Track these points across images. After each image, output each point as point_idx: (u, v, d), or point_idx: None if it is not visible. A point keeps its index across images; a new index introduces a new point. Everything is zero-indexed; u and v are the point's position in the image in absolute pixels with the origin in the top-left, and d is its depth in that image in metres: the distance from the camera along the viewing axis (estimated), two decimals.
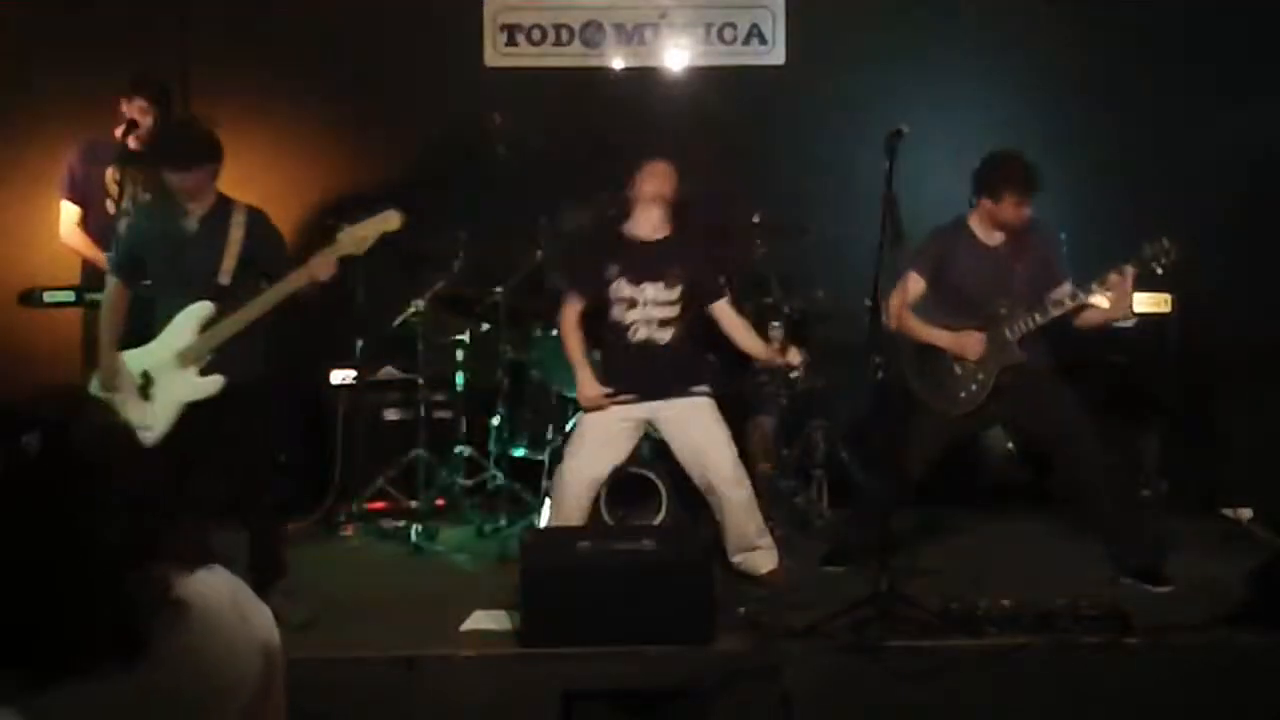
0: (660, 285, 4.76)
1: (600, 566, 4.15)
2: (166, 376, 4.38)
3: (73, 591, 1.67)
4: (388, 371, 5.98)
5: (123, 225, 4.73)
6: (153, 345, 4.41)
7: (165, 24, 6.18)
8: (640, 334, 4.78)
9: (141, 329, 4.50)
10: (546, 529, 5.14)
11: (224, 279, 4.39)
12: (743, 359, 5.55)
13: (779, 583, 4.72)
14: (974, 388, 4.75)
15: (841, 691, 3.88)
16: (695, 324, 4.92)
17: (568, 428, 5.33)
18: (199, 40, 6.20)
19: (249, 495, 4.49)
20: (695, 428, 4.77)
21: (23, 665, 1.64)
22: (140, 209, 4.73)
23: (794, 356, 4.87)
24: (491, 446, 5.74)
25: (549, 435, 5.53)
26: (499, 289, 5.58)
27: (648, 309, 4.77)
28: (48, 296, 5.29)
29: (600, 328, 4.90)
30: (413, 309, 5.59)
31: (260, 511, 4.51)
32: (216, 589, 1.80)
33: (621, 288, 4.77)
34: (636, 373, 4.77)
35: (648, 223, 4.82)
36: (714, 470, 4.72)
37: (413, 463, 5.63)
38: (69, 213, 5.51)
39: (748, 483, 4.79)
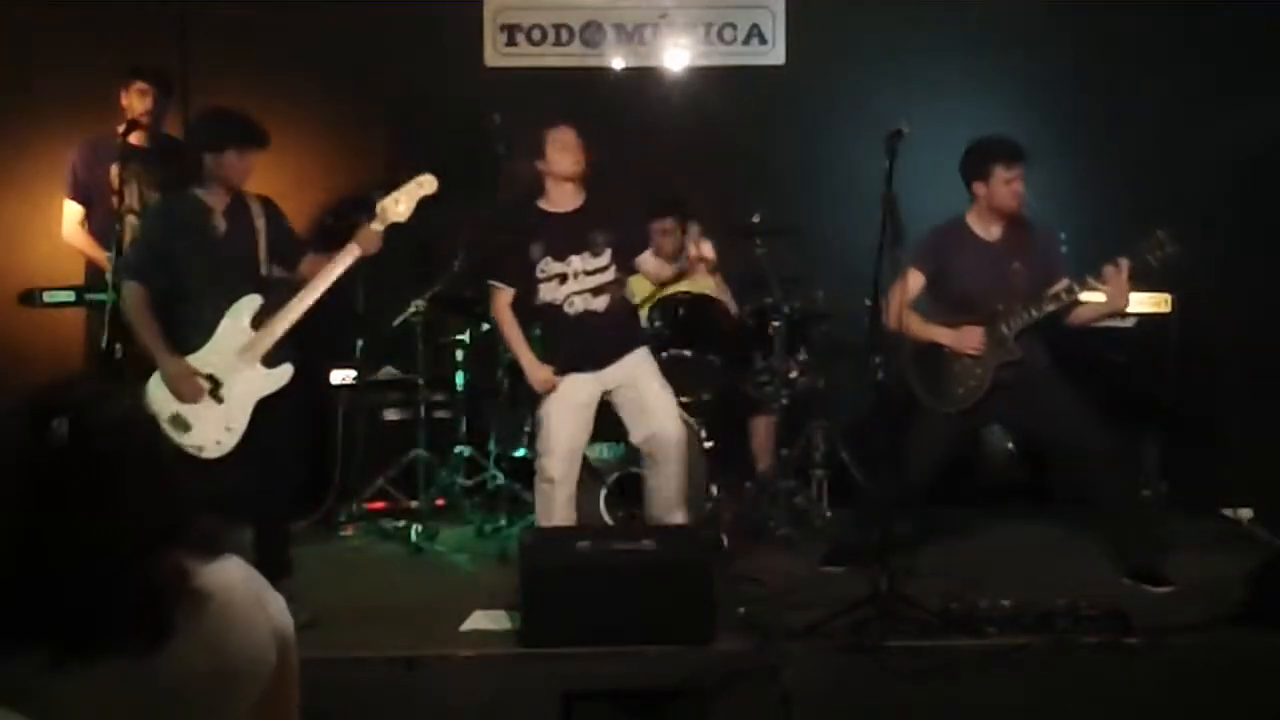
0: (587, 255, 4.72)
1: (600, 566, 4.14)
2: (234, 376, 4.34)
3: (94, 575, 1.69)
4: (388, 371, 5.98)
5: (137, 226, 4.62)
6: (211, 345, 4.34)
7: (165, 24, 6.18)
8: (576, 306, 4.73)
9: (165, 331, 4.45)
10: (546, 529, 5.15)
11: (264, 270, 4.43)
12: (742, 360, 5.56)
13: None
14: (972, 383, 4.75)
15: (841, 691, 3.88)
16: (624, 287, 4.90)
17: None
18: (199, 40, 6.20)
19: (271, 490, 4.48)
20: (643, 389, 4.75)
21: (41, 646, 1.66)
22: (158, 209, 4.58)
23: (707, 250, 4.70)
24: (491, 446, 5.74)
25: None
26: None
27: (580, 280, 4.72)
28: (48, 296, 5.29)
29: (531, 310, 4.82)
30: (413, 309, 5.59)
31: (277, 508, 4.51)
32: (235, 578, 1.82)
33: (550, 265, 4.71)
34: (579, 346, 4.73)
35: (563, 195, 4.77)
36: (662, 432, 4.70)
37: (413, 463, 5.63)
38: (72, 212, 5.52)
39: (685, 449, 4.78)
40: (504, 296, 4.82)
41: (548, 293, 4.73)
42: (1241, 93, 6.12)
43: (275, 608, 1.88)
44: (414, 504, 5.61)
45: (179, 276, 4.35)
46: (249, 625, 1.82)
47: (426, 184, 4.56)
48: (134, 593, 1.70)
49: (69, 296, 5.32)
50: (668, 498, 4.76)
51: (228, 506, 4.46)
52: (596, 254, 4.74)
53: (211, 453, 4.28)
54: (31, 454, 1.72)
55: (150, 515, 1.74)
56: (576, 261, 4.72)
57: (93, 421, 1.74)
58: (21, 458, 1.73)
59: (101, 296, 5.18)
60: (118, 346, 4.98)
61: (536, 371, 4.75)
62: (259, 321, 4.37)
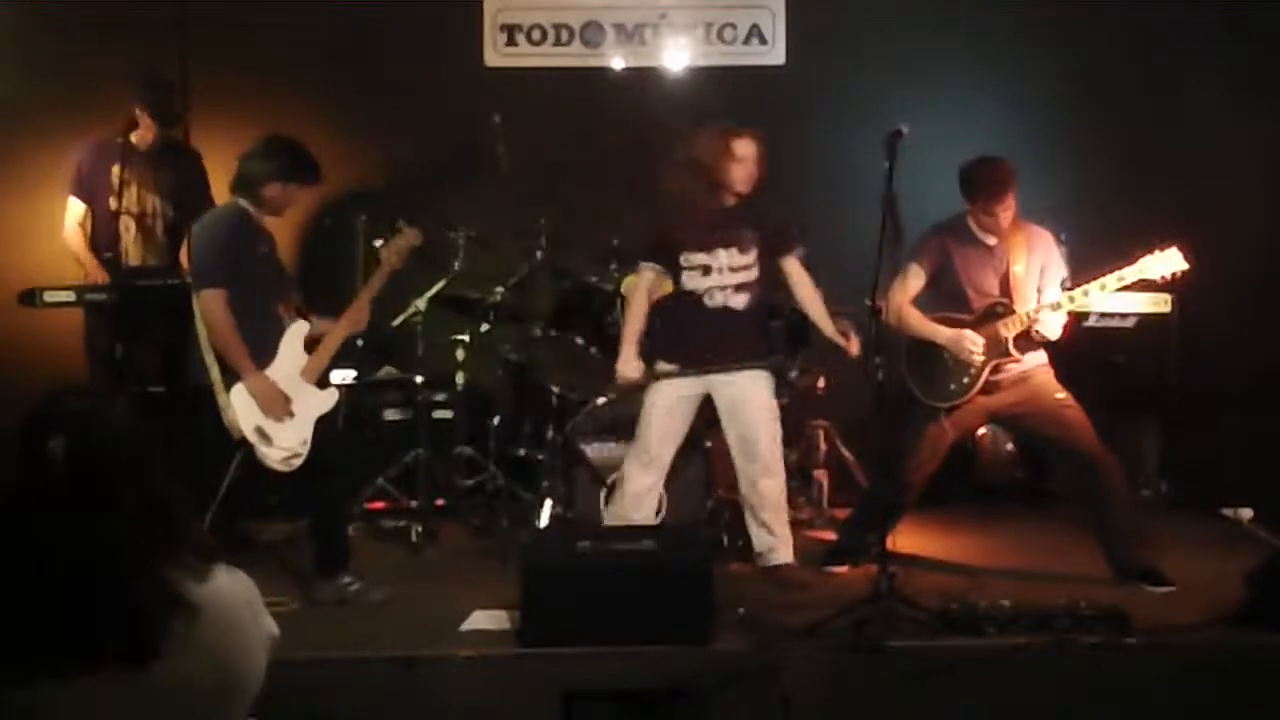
0: (734, 250, 4.72)
1: (600, 566, 4.15)
2: (298, 394, 4.54)
3: (88, 591, 1.69)
4: (388, 371, 5.97)
5: (209, 232, 4.54)
6: (278, 364, 4.52)
7: (165, 24, 6.16)
8: (715, 300, 4.73)
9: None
10: (547, 529, 5.15)
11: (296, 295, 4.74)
12: None
13: (792, 579, 4.74)
14: (965, 380, 4.76)
15: (841, 691, 3.88)
16: (767, 291, 4.87)
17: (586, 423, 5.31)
18: (199, 40, 6.18)
19: (328, 492, 4.68)
20: (750, 409, 4.75)
21: (34, 658, 1.66)
22: (226, 219, 4.57)
23: (854, 346, 4.76)
24: (491, 446, 5.74)
25: (549, 435, 5.53)
26: (499, 289, 5.58)
27: (723, 275, 4.72)
28: (48, 296, 5.27)
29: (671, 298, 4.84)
30: (413, 309, 5.59)
31: (333, 508, 4.70)
32: (228, 590, 1.82)
33: (695, 256, 4.71)
34: (705, 339, 4.72)
35: (725, 193, 4.73)
36: (755, 454, 4.74)
37: (413, 463, 5.63)
38: (75, 209, 5.52)
39: (783, 474, 4.82)
40: (646, 278, 4.82)
41: (690, 281, 4.74)
42: (1240, 92, 6.12)
43: (268, 619, 1.89)
44: (414, 504, 5.61)
45: (245, 290, 4.47)
46: (244, 636, 1.82)
47: (411, 236, 4.84)
48: (125, 609, 1.70)
49: (69, 296, 5.31)
50: (762, 526, 4.81)
51: (290, 505, 5.02)
52: (744, 251, 4.73)
53: (292, 464, 4.51)
54: (29, 475, 1.72)
55: (145, 530, 1.74)
56: (724, 255, 4.71)
57: (88, 440, 1.74)
58: (19, 478, 1.73)
59: (101, 296, 5.19)
60: (118, 347, 4.99)
61: (628, 368, 4.77)
62: (308, 346, 4.62)
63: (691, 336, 4.75)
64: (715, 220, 4.72)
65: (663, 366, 4.80)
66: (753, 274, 4.76)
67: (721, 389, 4.77)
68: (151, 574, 1.72)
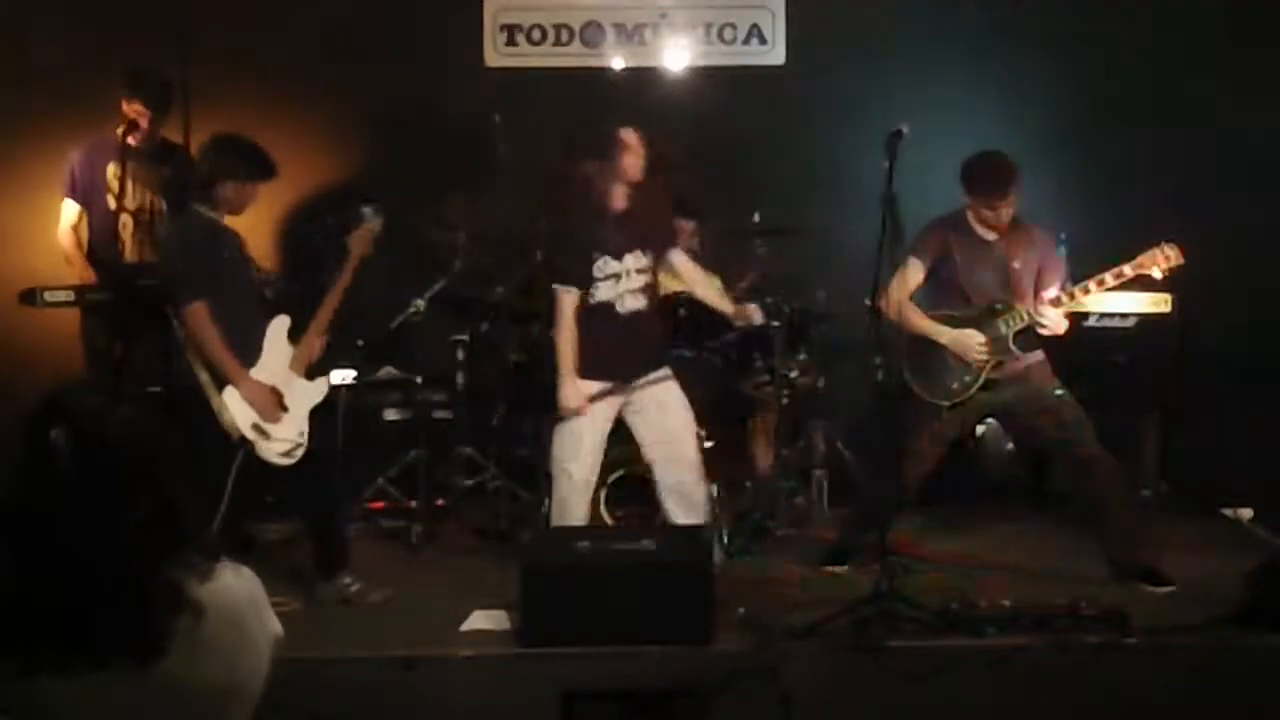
0: (637, 253, 4.66)
1: (600, 566, 4.15)
2: (289, 388, 4.57)
3: (90, 588, 1.69)
4: (388, 371, 5.97)
5: (178, 247, 4.56)
6: (265, 362, 4.54)
7: (165, 24, 6.16)
8: (628, 305, 4.66)
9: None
10: (547, 529, 5.14)
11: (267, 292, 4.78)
12: (744, 359, 5.56)
13: (790, 578, 4.77)
14: (967, 378, 4.76)
15: (841, 691, 3.88)
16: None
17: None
18: (199, 40, 6.18)
19: (325, 490, 4.71)
20: (670, 414, 4.68)
21: (37, 655, 1.66)
22: (195, 228, 4.55)
23: (755, 315, 4.74)
24: (491, 446, 5.74)
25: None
26: (499, 289, 5.57)
27: (630, 279, 4.65)
28: (48, 296, 5.28)
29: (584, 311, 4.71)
30: (413, 309, 5.59)
31: (331, 506, 4.75)
32: (233, 588, 1.82)
33: (607, 264, 4.63)
34: (626, 348, 4.64)
35: (619, 195, 4.67)
36: (681, 459, 4.66)
37: (413, 463, 5.63)
38: (69, 212, 5.52)
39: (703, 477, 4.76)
40: (570, 300, 4.63)
41: (605, 292, 4.63)
42: (1243, 93, 6.12)
43: (271, 617, 1.89)
44: (414, 504, 5.60)
45: (223, 296, 4.45)
46: (247, 635, 1.82)
47: (374, 223, 4.87)
48: (129, 607, 1.70)
49: (69, 296, 5.31)
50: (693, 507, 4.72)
51: (287, 506, 4.95)
52: (645, 253, 4.69)
53: (294, 456, 4.53)
54: (34, 467, 1.72)
55: (154, 530, 1.74)
56: (629, 260, 4.65)
57: (93, 433, 1.74)
58: (24, 471, 1.73)
59: (101, 296, 5.19)
60: (117, 346, 4.99)
61: (573, 399, 4.58)
62: (292, 338, 4.63)
63: (613, 349, 4.62)
64: (617, 225, 4.64)
65: (592, 386, 4.62)
66: (650, 275, 4.72)
67: (639, 396, 4.68)
68: (158, 572, 1.72)
